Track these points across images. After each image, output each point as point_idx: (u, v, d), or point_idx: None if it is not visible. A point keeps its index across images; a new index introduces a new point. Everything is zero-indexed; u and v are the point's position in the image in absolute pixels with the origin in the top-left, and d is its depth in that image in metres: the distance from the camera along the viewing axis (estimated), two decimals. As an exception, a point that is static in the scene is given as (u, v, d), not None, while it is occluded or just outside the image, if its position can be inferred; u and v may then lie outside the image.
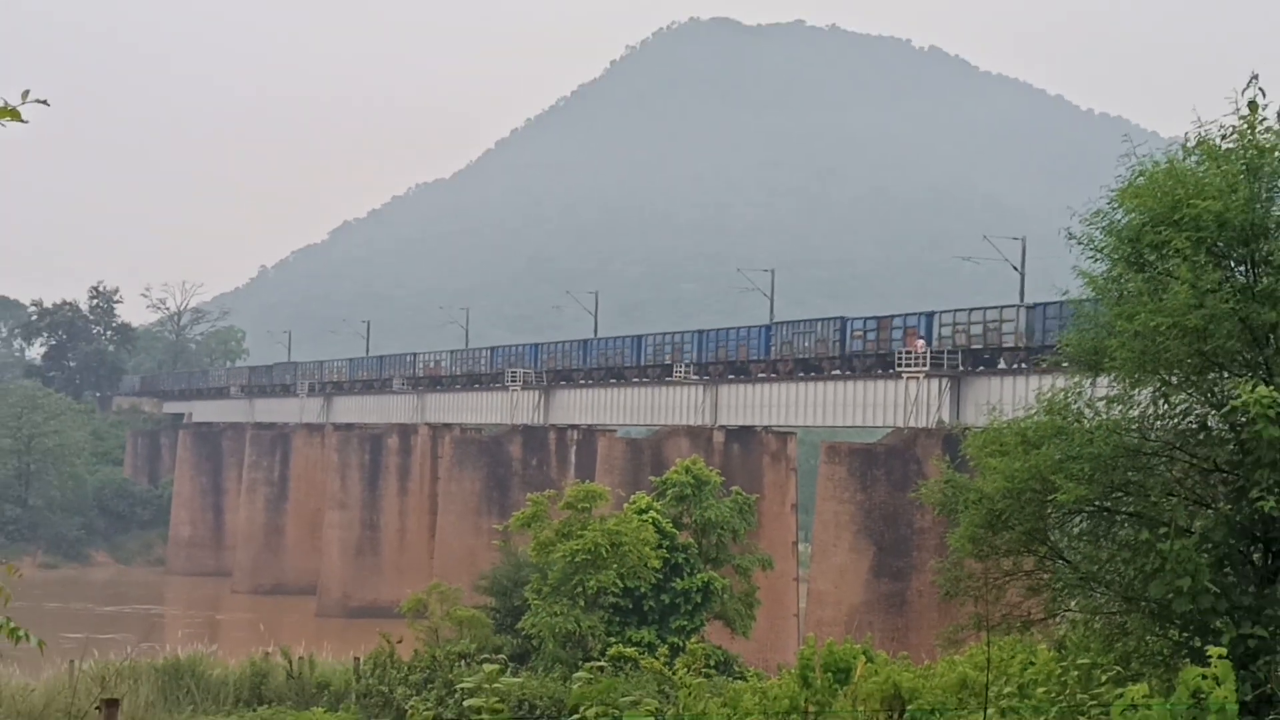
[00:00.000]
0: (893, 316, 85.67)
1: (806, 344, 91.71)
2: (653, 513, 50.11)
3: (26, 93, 6.93)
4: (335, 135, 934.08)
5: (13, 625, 7.55)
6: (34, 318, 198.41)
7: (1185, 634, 18.84)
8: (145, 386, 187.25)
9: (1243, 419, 19.08)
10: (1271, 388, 18.66)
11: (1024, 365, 70.19)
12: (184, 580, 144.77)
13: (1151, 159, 21.35)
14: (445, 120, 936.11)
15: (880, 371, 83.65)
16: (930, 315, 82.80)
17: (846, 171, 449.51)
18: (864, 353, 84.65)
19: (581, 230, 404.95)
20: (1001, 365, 73.25)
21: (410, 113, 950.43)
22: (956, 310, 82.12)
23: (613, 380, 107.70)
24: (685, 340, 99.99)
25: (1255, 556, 19.85)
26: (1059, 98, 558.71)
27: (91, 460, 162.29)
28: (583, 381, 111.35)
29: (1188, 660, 15.82)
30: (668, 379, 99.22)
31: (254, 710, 45.17)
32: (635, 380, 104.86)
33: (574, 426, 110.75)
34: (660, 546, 49.06)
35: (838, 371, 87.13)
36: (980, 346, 78.93)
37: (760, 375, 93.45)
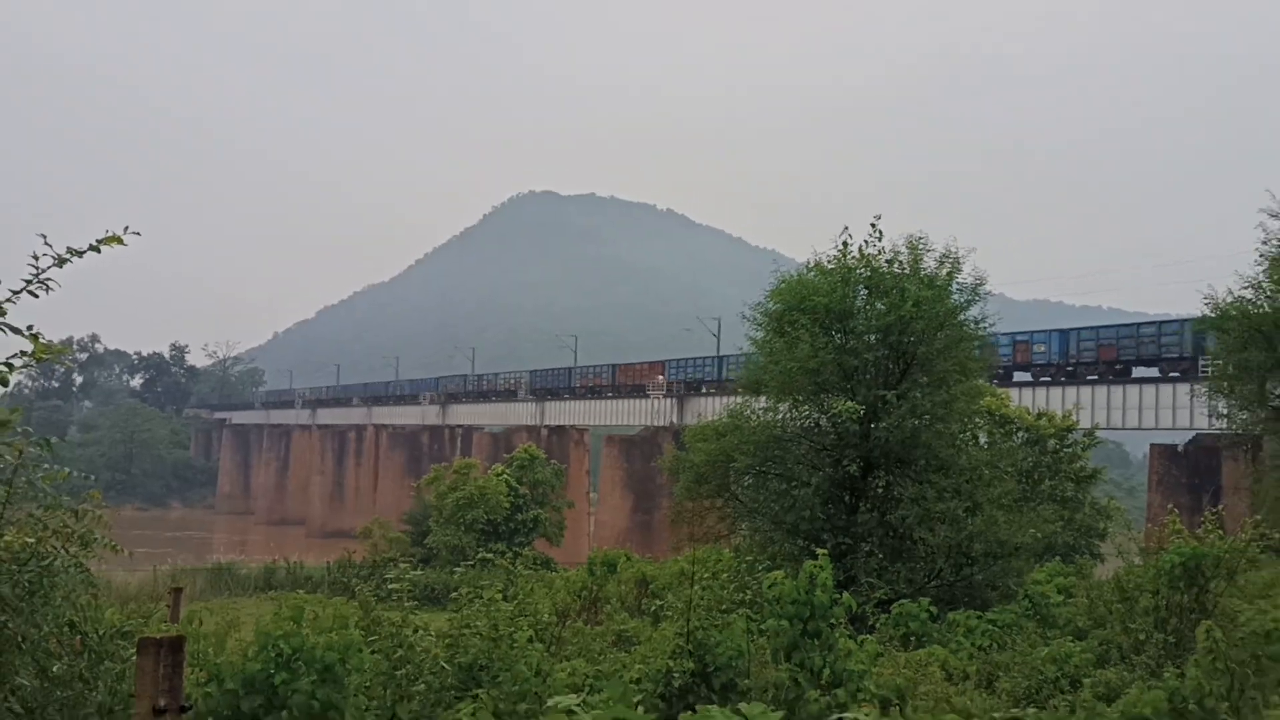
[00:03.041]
0: (543, 370, 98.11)
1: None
2: (505, 475, 49.98)
3: (126, 228, 6.84)
4: (317, 241, 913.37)
5: (112, 543, 7.39)
6: (135, 362, 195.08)
7: (806, 542, 19.22)
8: (203, 403, 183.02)
9: (839, 420, 19.55)
10: (854, 402, 19.17)
11: (713, 390, 70.70)
12: (225, 518, 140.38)
13: (790, 274, 21.80)
14: (386, 241, 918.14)
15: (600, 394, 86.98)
16: (535, 371, 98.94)
17: (622, 283, 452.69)
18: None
19: (467, 313, 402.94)
20: (698, 392, 74.27)
21: (366, 231, 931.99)
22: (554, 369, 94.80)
23: (486, 398, 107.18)
24: (526, 374, 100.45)
25: (846, 498, 20.30)
26: (740, 239, 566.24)
27: (170, 447, 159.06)
28: (465, 399, 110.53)
29: (808, 558, 16.16)
30: (515, 398, 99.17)
31: (266, 594, 44.16)
32: (494, 399, 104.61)
33: (460, 426, 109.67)
34: (509, 495, 48.95)
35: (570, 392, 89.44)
36: (556, 387, 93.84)
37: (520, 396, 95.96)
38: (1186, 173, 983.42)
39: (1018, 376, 53.13)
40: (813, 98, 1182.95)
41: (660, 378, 77.56)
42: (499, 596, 9.73)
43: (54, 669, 6.92)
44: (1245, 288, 22.17)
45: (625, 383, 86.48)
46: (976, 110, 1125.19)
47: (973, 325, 21.08)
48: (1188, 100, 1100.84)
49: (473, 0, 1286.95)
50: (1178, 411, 46.96)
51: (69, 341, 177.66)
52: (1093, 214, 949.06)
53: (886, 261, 20.86)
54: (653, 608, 14.03)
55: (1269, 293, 21.68)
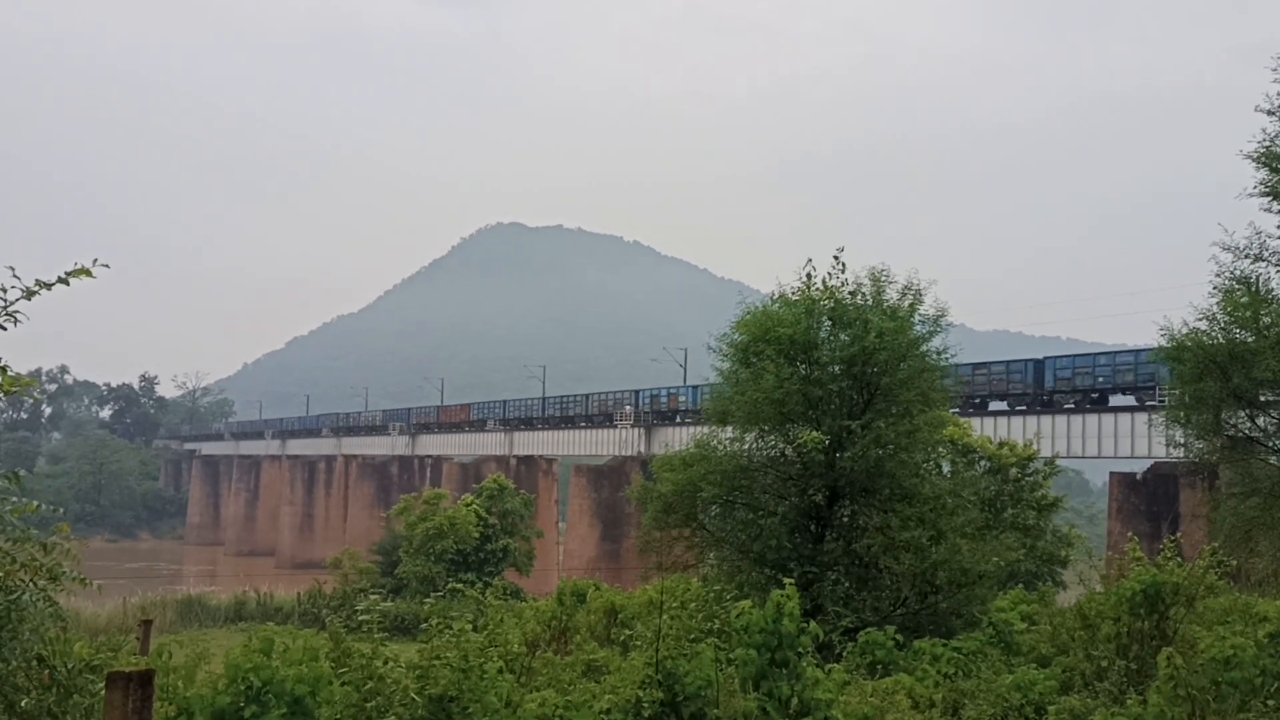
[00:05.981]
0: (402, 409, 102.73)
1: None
2: (474, 506, 49.68)
3: (95, 260, 6.82)
4: (285, 276, 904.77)
5: (81, 576, 7.30)
6: (105, 393, 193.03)
7: (773, 571, 19.11)
8: (173, 434, 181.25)
9: (804, 450, 19.56)
10: (819, 432, 19.20)
11: (688, 419, 70.68)
12: (195, 548, 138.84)
13: (755, 305, 21.82)
14: (354, 276, 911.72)
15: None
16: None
17: (586, 310, 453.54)
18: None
19: (434, 341, 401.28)
20: (677, 420, 74.12)
21: (330, 270, 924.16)
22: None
23: (450, 428, 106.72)
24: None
25: (812, 526, 20.26)
26: (706, 270, 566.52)
27: (140, 477, 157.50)
28: (434, 429, 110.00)
29: (775, 587, 16.10)
30: (485, 429, 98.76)
31: (236, 626, 43.62)
32: (464, 429, 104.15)
33: (429, 456, 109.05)
34: (479, 525, 48.65)
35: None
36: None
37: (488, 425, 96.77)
38: (1146, 207, 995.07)
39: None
40: (779, 145, 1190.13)
41: (627, 409, 77.51)
42: (469, 627, 9.66)
43: (22, 703, 6.80)
44: (1200, 319, 22.33)
45: (447, 420, 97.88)
46: (936, 153, 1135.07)
47: (935, 356, 21.16)
48: (1148, 144, 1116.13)
49: (447, 36, 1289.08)
50: (1136, 440, 47.38)
51: (37, 373, 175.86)
52: (1055, 247, 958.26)
53: (849, 293, 20.90)
54: (622, 637, 13.95)
55: (1223, 324, 21.85)
